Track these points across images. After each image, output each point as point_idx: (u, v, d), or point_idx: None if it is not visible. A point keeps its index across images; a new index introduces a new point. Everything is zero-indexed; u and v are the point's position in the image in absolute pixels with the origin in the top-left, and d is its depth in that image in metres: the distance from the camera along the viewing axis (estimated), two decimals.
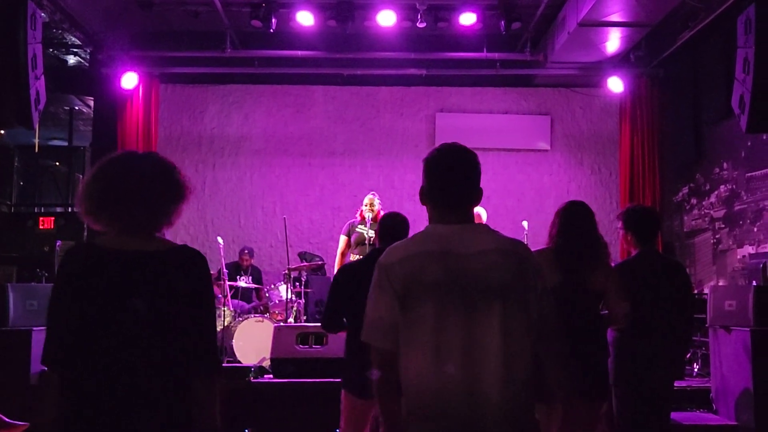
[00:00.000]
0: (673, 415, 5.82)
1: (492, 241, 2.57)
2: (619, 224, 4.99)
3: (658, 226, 4.99)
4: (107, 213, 2.55)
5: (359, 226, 8.46)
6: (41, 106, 7.20)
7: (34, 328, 6.97)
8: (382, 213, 8.89)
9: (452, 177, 2.65)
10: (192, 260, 2.58)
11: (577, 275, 4.10)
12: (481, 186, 2.69)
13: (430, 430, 2.42)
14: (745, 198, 8.81)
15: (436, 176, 2.67)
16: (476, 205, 2.69)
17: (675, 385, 5.10)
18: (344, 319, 4.45)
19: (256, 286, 9.75)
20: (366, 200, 8.53)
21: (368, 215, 8.29)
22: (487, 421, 2.38)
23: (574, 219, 4.32)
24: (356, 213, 8.64)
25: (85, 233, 10.89)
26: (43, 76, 7.16)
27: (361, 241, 8.39)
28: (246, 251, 10.01)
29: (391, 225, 4.49)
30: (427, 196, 2.68)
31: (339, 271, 4.50)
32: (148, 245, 2.54)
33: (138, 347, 2.43)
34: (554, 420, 2.74)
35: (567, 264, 4.10)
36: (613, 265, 4.91)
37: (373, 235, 8.10)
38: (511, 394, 2.41)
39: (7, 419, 4.67)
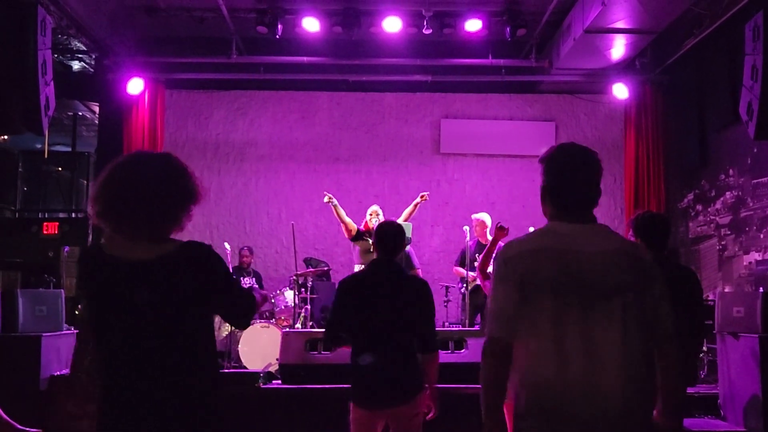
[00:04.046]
0: None
1: (612, 242, 2.59)
2: (630, 231, 4.98)
3: (668, 232, 4.98)
4: (114, 218, 2.57)
5: (365, 236, 8.46)
6: (51, 112, 7.21)
7: (44, 334, 6.98)
8: None
9: (577, 178, 2.65)
10: (197, 258, 2.60)
11: None
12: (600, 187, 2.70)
13: (549, 424, 2.44)
14: (751, 204, 8.81)
15: (560, 176, 2.67)
16: (596, 206, 2.69)
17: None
18: (344, 333, 4.45)
19: (262, 291, 9.73)
20: (371, 210, 8.56)
21: (375, 222, 8.30)
22: (607, 418, 2.41)
23: None
24: (360, 223, 8.63)
25: (90, 238, 10.89)
26: (52, 82, 7.17)
27: (366, 250, 8.40)
28: (245, 248, 10.02)
29: (388, 234, 4.48)
30: (549, 195, 2.68)
31: (340, 283, 4.50)
32: (152, 251, 2.55)
33: (142, 355, 2.50)
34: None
35: None
36: None
37: None
38: (631, 393, 2.43)
39: (18, 425, 4.65)
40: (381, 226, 4.60)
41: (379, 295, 4.26)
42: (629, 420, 2.43)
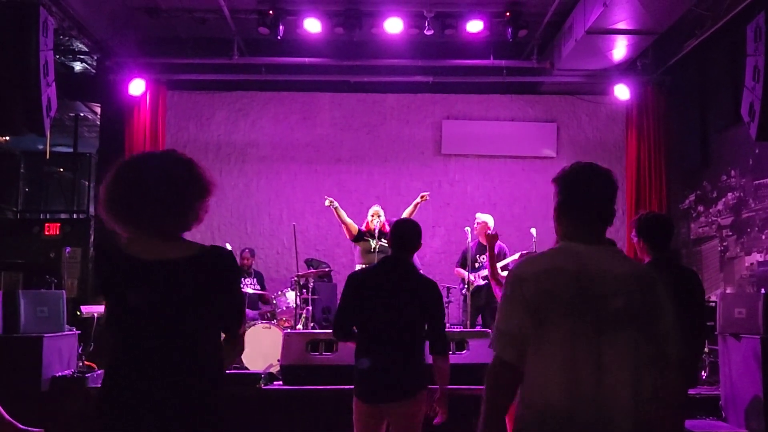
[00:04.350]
0: None
1: (626, 265, 2.58)
2: (633, 231, 4.98)
3: (671, 233, 4.97)
4: (128, 219, 2.57)
5: (366, 236, 8.48)
6: (53, 113, 7.21)
7: (45, 335, 6.99)
8: (386, 224, 8.96)
9: (592, 197, 2.66)
10: (215, 264, 2.60)
11: None
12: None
13: None
14: (752, 205, 8.81)
15: (577, 194, 2.68)
16: (610, 226, 2.70)
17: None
18: (352, 326, 4.45)
19: (261, 292, 9.73)
20: (372, 210, 8.58)
21: (376, 223, 8.32)
22: None
23: None
24: (362, 224, 8.64)
25: (92, 239, 10.91)
26: (54, 83, 7.17)
27: (367, 250, 8.41)
28: (246, 250, 9.97)
29: (404, 232, 4.48)
30: (564, 213, 2.69)
31: (348, 279, 4.50)
32: (172, 251, 2.56)
33: (142, 355, 2.51)
34: None
35: None
36: None
37: (377, 245, 8.14)
38: (641, 417, 2.45)
39: (21, 426, 4.67)
40: (397, 223, 4.63)
41: (383, 292, 4.27)
42: None
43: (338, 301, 4.64)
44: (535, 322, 2.49)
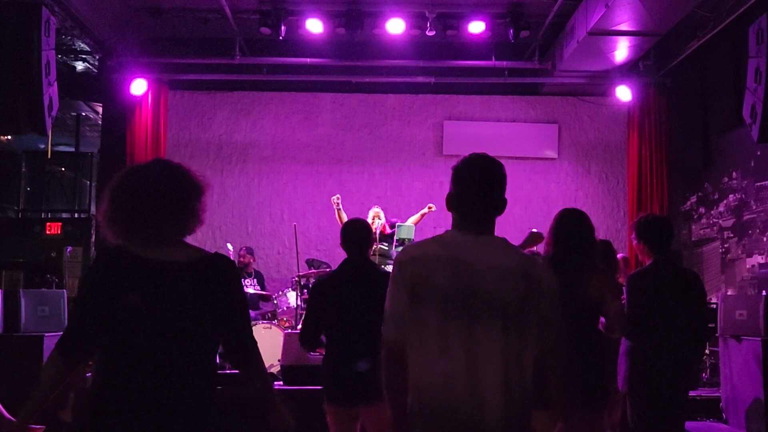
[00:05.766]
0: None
1: (506, 257, 2.64)
2: (632, 234, 4.98)
3: (671, 235, 4.97)
4: (133, 229, 2.60)
5: None
6: (54, 113, 7.23)
7: (46, 334, 6.98)
8: (387, 226, 8.99)
9: (477, 188, 2.72)
10: (222, 269, 2.66)
11: (572, 283, 3.93)
12: (505, 197, 2.75)
13: (434, 426, 2.51)
14: (754, 207, 8.81)
15: (462, 186, 2.74)
16: (499, 215, 2.74)
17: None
18: (321, 334, 4.42)
19: (263, 292, 9.72)
20: (372, 212, 8.62)
21: (377, 225, 8.35)
22: (486, 426, 2.48)
23: (567, 226, 4.26)
24: None
25: (92, 239, 10.91)
26: (56, 83, 7.18)
27: None
28: (243, 248, 9.92)
29: (360, 233, 4.45)
30: (452, 203, 2.76)
31: (313, 285, 4.49)
32: (178, 254, 2.60)
33: (143, 355, 2.52)
34: (555, 426, 2.86)
35: (561, 272, 3.70)
36: (627, 275, 4.90)
37: (377, 247, 8.18)
38: (508, 402, 2.50)
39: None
40: (348, 224, 4.55)
41: (353, 294, 4.24)
42: (505, 427, 2.50)
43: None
44: (412, 305, 2.57)
